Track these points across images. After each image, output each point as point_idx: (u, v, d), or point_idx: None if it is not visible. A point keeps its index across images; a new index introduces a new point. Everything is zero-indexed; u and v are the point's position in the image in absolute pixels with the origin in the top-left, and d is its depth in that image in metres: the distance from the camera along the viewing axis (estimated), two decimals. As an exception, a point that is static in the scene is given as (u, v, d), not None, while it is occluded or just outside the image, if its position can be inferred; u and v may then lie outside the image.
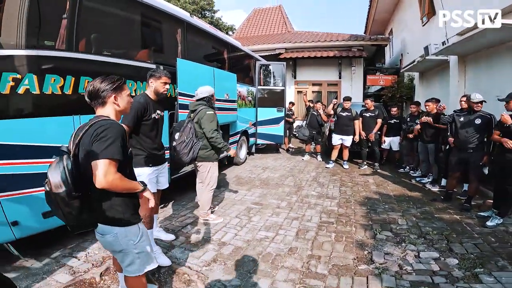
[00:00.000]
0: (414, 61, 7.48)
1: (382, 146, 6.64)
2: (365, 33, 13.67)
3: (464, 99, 4.33)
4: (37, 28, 2.39)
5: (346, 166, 6.54)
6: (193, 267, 2.50)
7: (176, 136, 3.13)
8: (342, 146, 6.46)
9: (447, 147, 4.63)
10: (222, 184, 4.97)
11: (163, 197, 3.24)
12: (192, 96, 3.67)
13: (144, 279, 1.71)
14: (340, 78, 11.15)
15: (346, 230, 3.31)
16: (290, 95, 11.01)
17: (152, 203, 1.62)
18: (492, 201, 3.67)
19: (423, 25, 8.00)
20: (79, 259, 2.56)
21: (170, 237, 3.02)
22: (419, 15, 8.29)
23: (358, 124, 6.27)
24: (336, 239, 3.07)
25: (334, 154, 6.55)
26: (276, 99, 7.47)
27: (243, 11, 57.52)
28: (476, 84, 5.64)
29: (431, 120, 4.86)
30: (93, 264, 2.48)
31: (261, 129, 7.52)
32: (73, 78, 2.60)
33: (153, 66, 3.55)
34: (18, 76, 2.22)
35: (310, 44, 11.05)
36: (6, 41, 2.20)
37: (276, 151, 8.64)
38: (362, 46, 10.89)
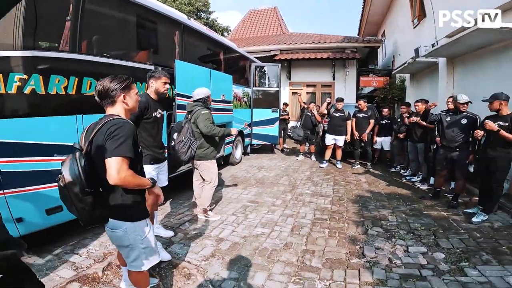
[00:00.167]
0: (405, 63, 7.58)
1: (374, 146, 6.77)
2: (358, 34, 13.80)
3: (451, 100, 4.48)
4: (41, 30, 2.46)
5: (339, 166, 6.67)
6: (193, 262, 2.59)
7: (175, 136, 3.22)
8: (335, 146, 6.59)
9: (435, 147, 4.75)
10: (218, 183, 4.97)
11: (162, 195, 3.32)
12: (189, 97, 3.75)
13: (147, 273, 1.78)
14: (334, 79, 11.27)
15: (339, 226, 3.43)
16: (285, 96, 11.09)
17: (162, 199, 1.71)
18: (477, 198, 3.79)
19: (414, 27, 8.08)
20: (80, 255, 2.62)
21: (169, 233, 3.10)
22: (410, 17, 8.36)
23: (350, 124, 6.41)
24: (329, 235, 3.19)
25: (328, 154, 6.68)
26: (271, 100, 7.56)
27: (238, 12, 57.61)
28: (463, 85, 5.77)
29: (420, 119, 4.98)
30: (95, 260, 2.55)
31: (256, 130, 7.61)
32: (76, 79, 2.67)
33: (152, 67, 3.62)
34: (25, 76, 2.28)
35: (305, 46, 11.16)
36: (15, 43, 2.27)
37: (271, 151, 8.74)
38: (356, 47, 11.04)
